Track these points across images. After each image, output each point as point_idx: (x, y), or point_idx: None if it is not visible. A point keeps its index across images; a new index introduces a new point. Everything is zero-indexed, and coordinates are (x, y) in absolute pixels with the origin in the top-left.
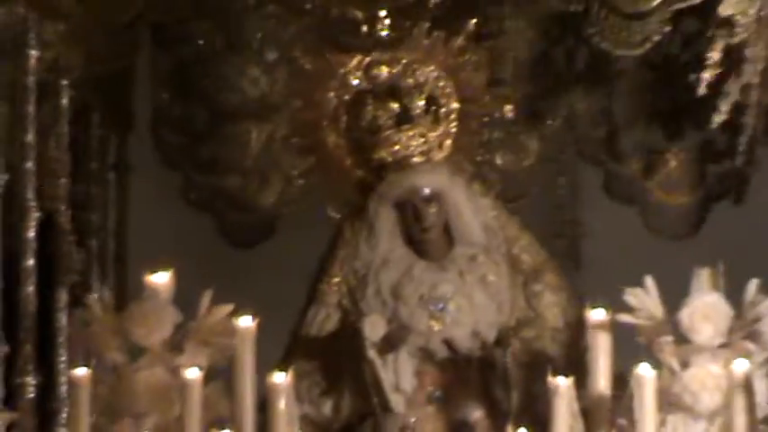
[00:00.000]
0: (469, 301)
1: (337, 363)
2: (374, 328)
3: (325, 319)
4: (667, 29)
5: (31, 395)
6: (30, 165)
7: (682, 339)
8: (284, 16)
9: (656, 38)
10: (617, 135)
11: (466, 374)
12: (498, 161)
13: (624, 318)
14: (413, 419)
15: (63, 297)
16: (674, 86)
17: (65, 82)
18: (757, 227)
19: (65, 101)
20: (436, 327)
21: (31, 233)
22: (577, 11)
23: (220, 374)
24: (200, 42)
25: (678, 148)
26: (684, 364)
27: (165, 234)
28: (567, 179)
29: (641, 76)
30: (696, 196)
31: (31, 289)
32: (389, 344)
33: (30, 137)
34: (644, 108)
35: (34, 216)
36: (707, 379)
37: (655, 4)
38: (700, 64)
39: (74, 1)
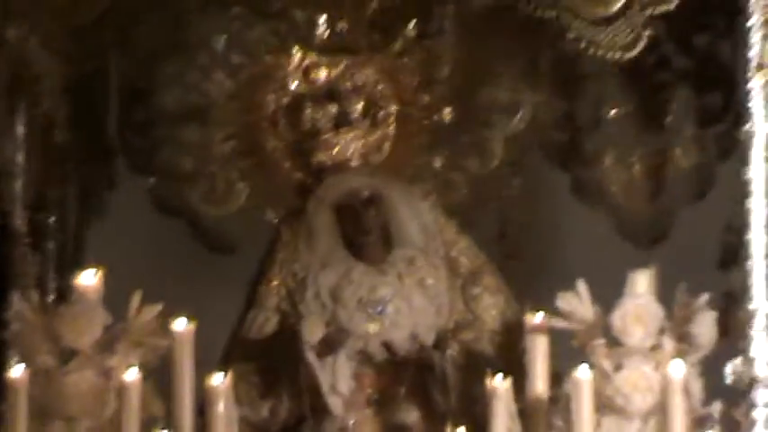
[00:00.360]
0: (408, 304)
1: (276, 365)
2: (313, 330)
3: (264, 322)
4: (648, 33)
5: None
6: None
7: (615, 342)
8: (249, 18)
9: (642, 42)
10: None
11: (404, 377)
12: (460, 164)
13: (557, 322)
14: (351, 422)
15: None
16: (640, 89)
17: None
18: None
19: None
20: (375, 329)
21: None
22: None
23: (152, 374)
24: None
25: (642, 151)
26: (618, 367)
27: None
28: (520, 181)
29: (607, 79)
30: (660, 201)
31: None
32: (328, 346)
33: None
34: (609, 111)
35: None
36: (639, 380)
37: (616, 8)
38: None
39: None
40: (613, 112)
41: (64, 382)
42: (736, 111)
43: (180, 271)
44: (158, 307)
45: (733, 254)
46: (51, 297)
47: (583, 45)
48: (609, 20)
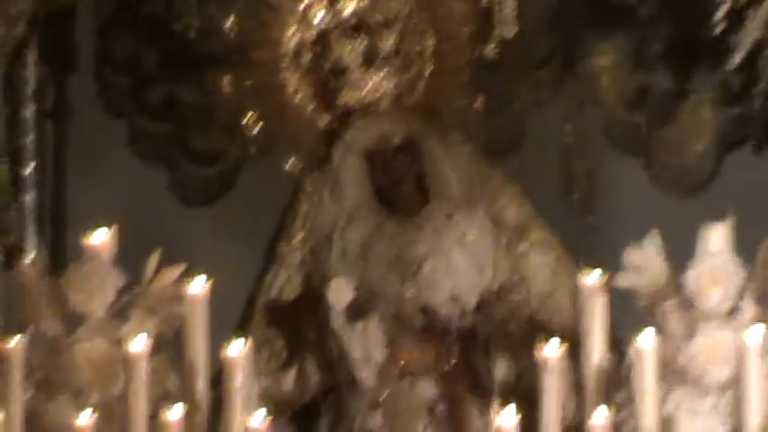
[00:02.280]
0: (447, 263)
1: (300, 332)
2: (340, 293)
3: (285, 283)
4: None
5: None
6: None
7: (687, 304)
8: None
9: None
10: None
11: (445, 345)
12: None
13: (624, 280)
14: (383, 396)
15: None
16: (683, 22)
17: None
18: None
19: None
20: (410, 291)
21: None
22: None
23: (168, 346)
24: None
25: (690, 91)
26: (691, 333)
27: (109, 189)
28: (572, 126)
29: (645, 12)
30: (709, 145)
31: None
32: (358, 311)
33: None
34: (649, 48)
35: None
36: (716, 349)
37: None
38: None
39: None
40: None
41: (73, 352)
42: None
43: (184, 227)
44: (179, 269)
45: None
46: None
47: None
48: None
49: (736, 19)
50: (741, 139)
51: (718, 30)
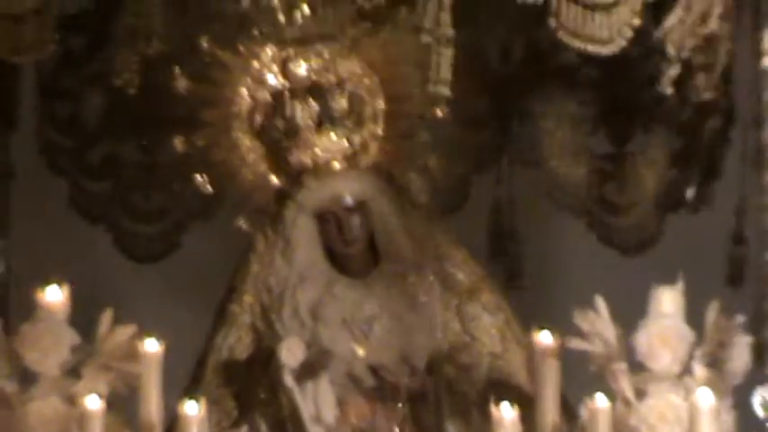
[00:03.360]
0: (398, 323)
1: (251, 391)
2: (292, 352)
3: (236, 343)
4: (636, 22)
5: None
6: None
7: (637, 367)
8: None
9: (628, 34)
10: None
11: (394, 405)
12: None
13: (575, 343)
14: None
15: None
16: (623, 84)
17: None
18: (717, 238)
19: None
20: (361, 351)
21: None
22: (537, 3)
23: (121, 403)
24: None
25: (630, 151)
26: (641, 394)
27: (53, 248)
28: (505, 188)
29: (585, 75)
30: (651, 205)
31: None
32: (309, 370)
33: None
34: (588, 108)
35: None
36: (666, 410)
37: None
38: (652, 59)
39: None
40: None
41: (27, 410)
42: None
43: (132, 285)
44: (132, 328)
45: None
46: None
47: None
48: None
49: (678, 82)
50: (681, 200)
51: (659, 92)
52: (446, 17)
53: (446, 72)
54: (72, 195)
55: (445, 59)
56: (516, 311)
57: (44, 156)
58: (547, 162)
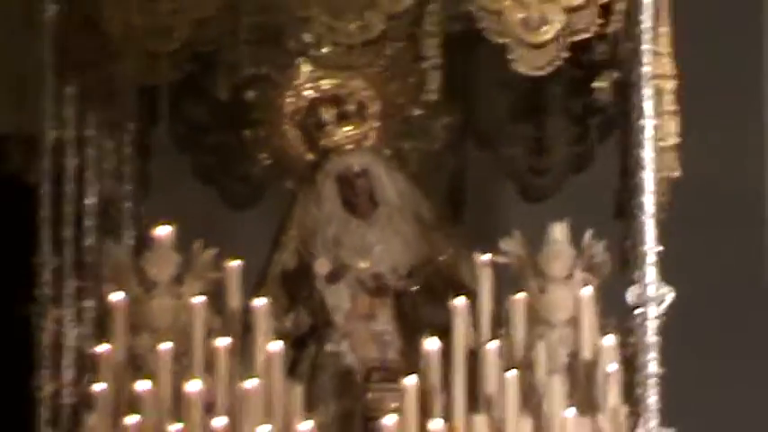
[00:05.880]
0: (389, 247)
1: (296, 291)
2: (322, 266)
3: (286, 260)
4: (566, 55)
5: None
6: None
7: (541, 273)
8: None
9: (557, 62)
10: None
11: (386, 299)
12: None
13: (500, 259)
14: (349, 330)
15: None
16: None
17: None
18: (598, 194)
19: None
20: (366, 265)
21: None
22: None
23: (211, 297)
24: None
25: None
26: (543, 290)
27: (178, 202)
28: (461, 161)
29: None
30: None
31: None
32: (333, 278)
33: None
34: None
35: None
36: (559, 300)
37: (548, 37)
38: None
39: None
40: None
41: (149, 305)
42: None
43: (219, 225)
44: (214, 251)
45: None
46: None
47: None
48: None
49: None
50: (582, 166)
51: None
52: (437, 50)
53: (434, 85)
54: (194, 166)
55: (435, 77)
56: (465, 240)
57: (175, 141)
58: (494, 143)
